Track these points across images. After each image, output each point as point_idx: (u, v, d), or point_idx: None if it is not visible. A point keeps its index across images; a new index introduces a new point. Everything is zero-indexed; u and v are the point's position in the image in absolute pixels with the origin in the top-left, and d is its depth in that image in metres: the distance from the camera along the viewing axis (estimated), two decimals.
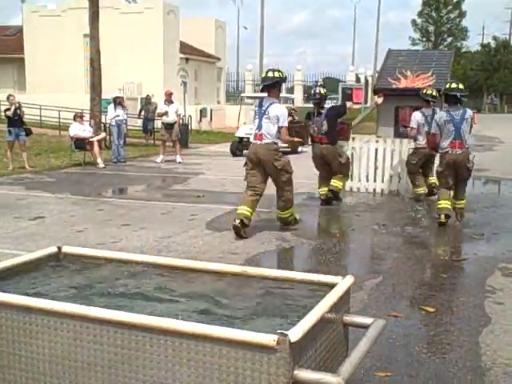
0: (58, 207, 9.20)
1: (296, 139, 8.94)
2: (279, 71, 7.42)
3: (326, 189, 9.57)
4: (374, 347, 2.93)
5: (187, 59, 30.69)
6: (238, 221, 7.15)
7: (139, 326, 2.57)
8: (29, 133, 13.88)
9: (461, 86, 7.93)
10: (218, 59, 35.05)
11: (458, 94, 7.88)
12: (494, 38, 68.97)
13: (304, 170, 10.73)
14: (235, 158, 17.18)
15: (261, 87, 7.69)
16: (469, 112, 8.00)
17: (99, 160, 14.59)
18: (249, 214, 7.28)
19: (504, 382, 3.53)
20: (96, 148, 14.74)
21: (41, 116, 24.21)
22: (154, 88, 24.18)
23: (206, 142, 23.19)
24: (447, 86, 8.01)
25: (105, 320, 2.63)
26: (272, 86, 7.33)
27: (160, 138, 16.87)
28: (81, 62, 27.92)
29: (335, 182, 9.55)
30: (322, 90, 9.60)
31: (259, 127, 7.32)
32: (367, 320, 3.05)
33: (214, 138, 24.54)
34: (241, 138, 18.05)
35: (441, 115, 8.08)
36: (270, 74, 7.32)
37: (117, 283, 3.28)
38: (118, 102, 16.11)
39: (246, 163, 7.58)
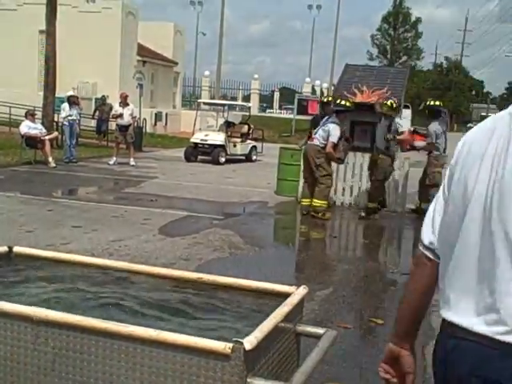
0: (6, 206, 8.98)
1: (336, 156, 9.58)
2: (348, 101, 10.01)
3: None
4: (324, 357, 2.98)
5: (144, 62, 30.43)
6: (305, 212, 9.43)
7: (90, 329, 2.53)
8: None
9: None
10: (176, 64, 34.88)
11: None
12: (446, 59, 71.11)
13: None
14: (189, 164, 17.13)
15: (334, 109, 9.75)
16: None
17: (50, 159, 14.31)
18: (309, 203, 9.42)
19: None
20: (47, 147, 14.45)
21: None
22: (109, 89, 23.90)
23: (160, 145, 23.04)
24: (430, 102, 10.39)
25: (53, 321, 2.59)
26: (339, 111, 9.69)
27: (114, 139, 16.69)
28: (35, 58, 27.35)
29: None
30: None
31: (315, 133, 9.61)
32: (319, 330, 3.08)
33: (169, 143, 24.41)
34: (195, 144, 18.03)
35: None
36: (343, 103, 9.82)
37: (69, 285, 3.23)
38: (72, 101, 15.86)
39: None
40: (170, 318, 2.92)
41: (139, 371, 2.48)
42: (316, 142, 9.46)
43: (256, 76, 45.63)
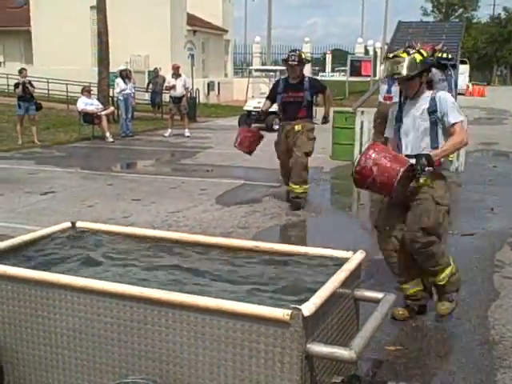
0: (68, 182, 9.26)
1: None
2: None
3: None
4: (384, 322, 2.98)
5: (195, 31, 30.39)
6: None
7: (153, 301, 2.61)
8: (39, 107, 13.87)
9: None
10: (226, 31, 34.70)
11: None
12: (505, 9, 68.01)
13: None
14: None
15: None
16: None
17: (108, 134, 14.61)
18: None
19: None
20: (104, 122, 14.75)
21: (48, 89, 24.14)
22: (161, 61, 24.02)
23: (214, 115, 23.13)
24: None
25: (121, 294, 2.68)
26: None
27: (168, 111, 16.85)
28: (88, 34, 27.71)
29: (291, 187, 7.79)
30: (303, 54, 7.52)
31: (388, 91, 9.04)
32: (378, 294, 3.08)
33: (222, 112, 24.46)
34: (249, 112, 17.99)
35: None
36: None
37: (133, 258, 3.33)
38: (124, 75, 16.07)
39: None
40: (230, 287, 2.99)
41: (201, 340, 2.54)
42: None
43: (307, 39, 44.95)
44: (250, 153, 7.84)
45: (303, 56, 7.41)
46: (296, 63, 7.26)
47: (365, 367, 3.40)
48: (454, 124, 3.96)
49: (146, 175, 10.03)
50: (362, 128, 11.03)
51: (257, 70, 24.50)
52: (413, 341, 3.79)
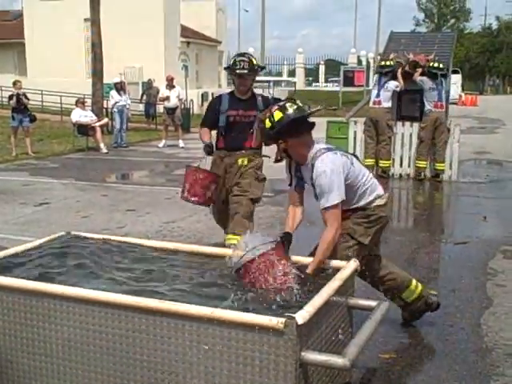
0: (62, 193, 9.27)
1: None
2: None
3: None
4: (378, 329, 2.99)
5: (188, 43, 30.55)
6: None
7: (148, 310, 2.63)
8: (33, 119, 13.88)
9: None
10: (219, 42, 34.91)
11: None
12: (497, 19, 68.53)
13: None
14: None
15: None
16: None
17: (102, 145, 14.63)
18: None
19: (506, 363, 3.60)
20: (98, 133, 14.77)
21: (42, 101, 24.17)
22: (155, 72, 24.10)
23: None
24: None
25: (114, 304, 2.70)
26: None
27: (162, 122, 16.89)
28: (82, 46, 27.81)
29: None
30: (254, 60, 5.34)
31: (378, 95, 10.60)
32: (372, 302, 3.11)
33: None
34: None
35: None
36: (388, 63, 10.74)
37: (126, 267, 3.34)
38: (119, 87, 16.13)
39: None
40: (222, 295, 2.99)
41: (196, 348, 2.56)
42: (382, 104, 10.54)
43: (300, 50, 45.24)
44: (206, 204, 5.62)
45: (255, 62, 5.26)
46: (246, 72, 5.20)
47: (359, 375, 3.42)
48: (323, 209, 3.33)
49: (140, 186, 10.05)
50: (355, 138, 11.07)
51: None
52: (406, 348, 3.81)
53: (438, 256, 6.19)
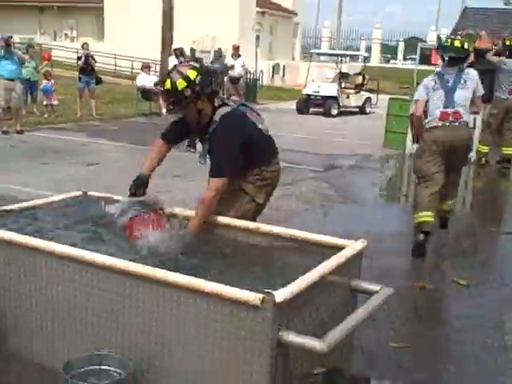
0: (115, 155, 9.39)
1: None
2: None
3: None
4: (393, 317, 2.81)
5: (263, 13, 30.24)
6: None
7: (134, 275, 2.58)
8: (99, 81, 14.17)
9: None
10: (295, 14, 34.35)
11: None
12: None
13: None
14: (301, 116, 16.98)
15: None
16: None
17: (164, 111, 14.72)
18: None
19: None
20: (161, 99, 14.86)
21: (115, 65, 24.61)
22: (228, 41, 23.99)
23: (277, 98, 22.93)
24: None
25: (105, 266, 2.66)
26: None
27: (225, 91, 16.84)
28: (157, 13, 28.00)
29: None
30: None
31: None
32: (375, 286, 2.93)
33: (285, 95, 24.22)
34: (308, 95, 17.78)
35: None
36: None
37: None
38: (178, 53, 16.12)
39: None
40: (222, 268, 2.92)
41: (175, 316, 2.49)
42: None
43: (378, 25, 43.95)
44: None
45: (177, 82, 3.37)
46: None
47: (362, 361, 3.26)
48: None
49: (192, 153, 10.02)
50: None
51: (319, 54, 24.13)
52: (419, 339, 3.61)
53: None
